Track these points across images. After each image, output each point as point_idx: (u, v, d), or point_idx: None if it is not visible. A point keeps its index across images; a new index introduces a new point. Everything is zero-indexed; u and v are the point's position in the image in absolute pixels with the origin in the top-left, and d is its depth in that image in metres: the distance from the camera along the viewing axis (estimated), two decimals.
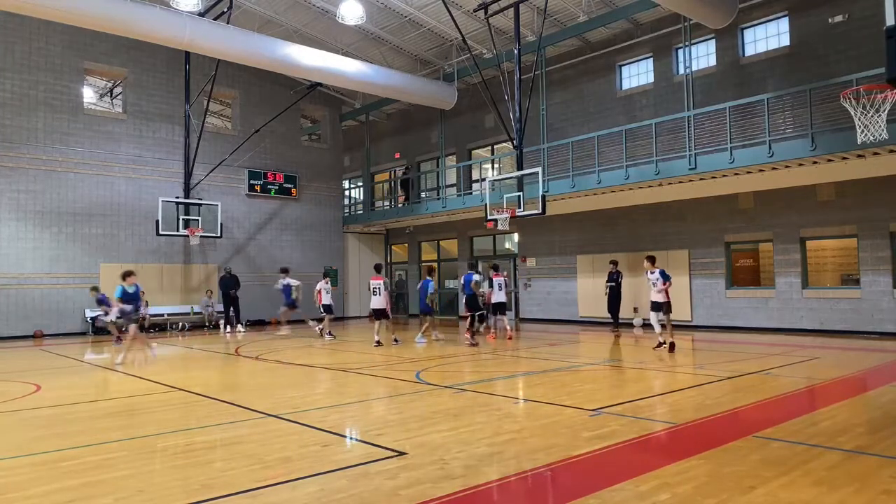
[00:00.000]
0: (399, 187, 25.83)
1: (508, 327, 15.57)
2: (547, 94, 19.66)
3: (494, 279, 15.38)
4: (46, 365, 12.20)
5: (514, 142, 17.91)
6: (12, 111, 18.52)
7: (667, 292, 12.19)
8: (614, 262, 17.62)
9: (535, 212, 16.83)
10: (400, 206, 25.05)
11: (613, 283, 17.41)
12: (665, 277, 12.19)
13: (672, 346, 12.02)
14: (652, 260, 12.66)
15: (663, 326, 12.39)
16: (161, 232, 19.68)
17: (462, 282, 15.17)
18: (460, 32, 18.35)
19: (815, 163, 13.90)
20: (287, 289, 17.59)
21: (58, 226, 19.15)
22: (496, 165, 23.35)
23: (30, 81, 18.84)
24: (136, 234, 20.47)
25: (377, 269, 15.17)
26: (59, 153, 19.23)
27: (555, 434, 5.82)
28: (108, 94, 25.39)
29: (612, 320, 17.70)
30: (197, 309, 21.19)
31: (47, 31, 18.69)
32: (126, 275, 12.16)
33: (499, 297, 15.27)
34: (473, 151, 24.02)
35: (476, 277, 14.94)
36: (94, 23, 15.76)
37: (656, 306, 12.32)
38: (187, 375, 10.32)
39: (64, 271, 19.13)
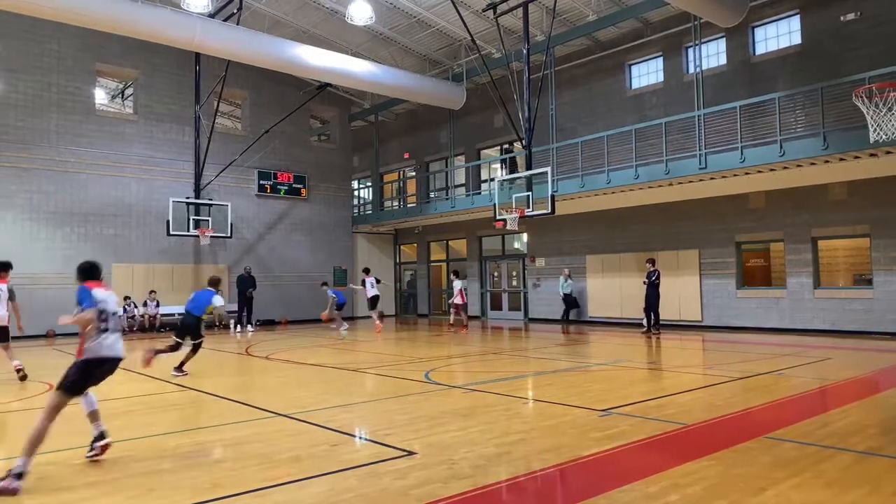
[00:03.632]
0: (505, 166, 21.75)
1: (378, 322, 18.11)
2: (556, 94, 19.61)
3: (366, 279, 18.19)
4: (59, 364, 12.27)
5: (523, 141, 17.87)
6: (25, 113, 18.69)
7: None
8: (651, 261, 16.54)
9: (545, 212, 16.78)
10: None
11: (648, 282, 16.25)
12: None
13: None
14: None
15: None
16: (172, 232, 19.77)
17: (77, 297, 5.36)
18: (469, 32, 18.34)
19: (826, 162, 13.77)
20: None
21: (70, 226, 19.31)
22: (505, 165, 23.29)
23: (42, 83, 19.01)
24: (147, 234, 20.59)
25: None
26: (72, 154, 19.38)
27: (564, 434, 5.81)
28: (120, 96, 25.57)
29: (646, 322, 16.41)
30: None
31: (59, 34, 18.82)
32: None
33: (371, 293, 18.10)
34: (482, 151, 24.01)
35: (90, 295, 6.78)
36: (105, 24, 15.87)
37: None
38: (197, 375, 10.36)
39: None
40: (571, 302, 19.75)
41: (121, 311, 4.94)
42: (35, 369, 11.49)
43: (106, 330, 5.08)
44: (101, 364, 5.10)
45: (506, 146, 22.00)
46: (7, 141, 18.31)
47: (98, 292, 5.16)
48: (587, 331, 17.69)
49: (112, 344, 5.13)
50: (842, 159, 13.53)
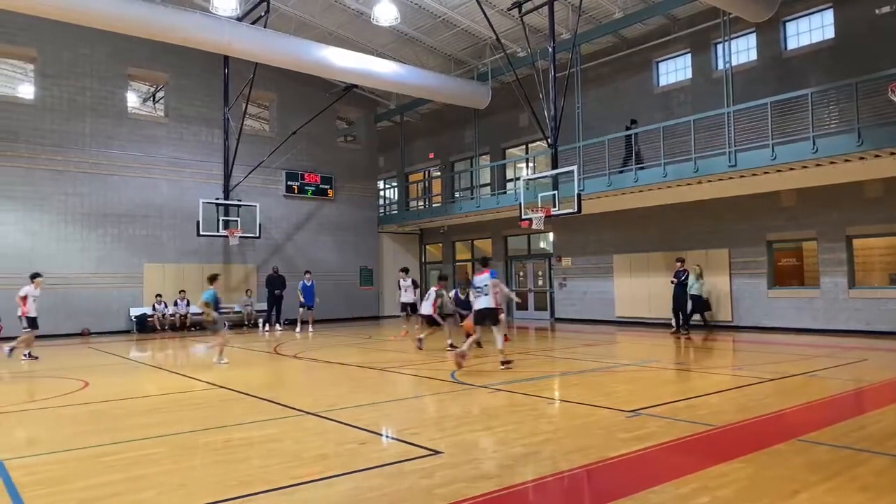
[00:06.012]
0: (626, 149, 18.25)
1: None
2: (582, 92, 19.46)
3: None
4: (94, 362, 12.58)
5: (549, 140, 17.77)
6: (61, 116, 19.15)
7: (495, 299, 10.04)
8: (681, 260, 16.26)
9: (571, 211, 16.66)
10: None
11: (676, 281, 15.96)
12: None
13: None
14: (485, 262, 10.74)
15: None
16: (202, 233, 20.07)
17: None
18: (494, 31, 18.29)
19: (861, 158, 13.46)
20: None
21: (103, 227, 19.73)
22: (530, 164, 23.23)
23: (77, 87, 19.45)
24: (178, 234, 20.94)
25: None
26: (105, 157, 19.81)
27: (591, 435, 5.76)
28: (151, 99, 26.03)
29: (674, 322, 16.19)
30: (237, 308, 21.58)
31: (92, 38, 19.21)
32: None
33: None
34: (507, 151, 23.95)
35: None
36: (137, 29, 16.19)
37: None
38: (227, 373, 10.51)
39: (109, 271, 19.69)
40: (702, 304, 16.80)
41: (481, 287, 9.76)
42: (70, 368, 11.78)
43: (477, 297, 9.92)
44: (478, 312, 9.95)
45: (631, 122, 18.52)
46: (43, 144, 18.79)
47: (476, 278, 10.01)
48: (624, 332, 17.53)
49: (478, 302, 9.88)
50: (877, 156, 13.22)
